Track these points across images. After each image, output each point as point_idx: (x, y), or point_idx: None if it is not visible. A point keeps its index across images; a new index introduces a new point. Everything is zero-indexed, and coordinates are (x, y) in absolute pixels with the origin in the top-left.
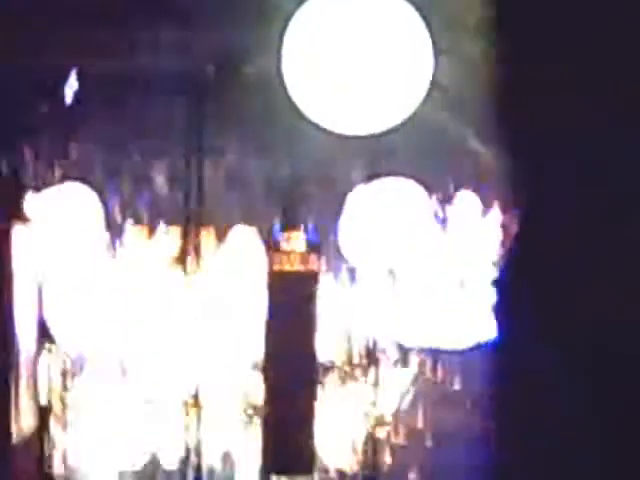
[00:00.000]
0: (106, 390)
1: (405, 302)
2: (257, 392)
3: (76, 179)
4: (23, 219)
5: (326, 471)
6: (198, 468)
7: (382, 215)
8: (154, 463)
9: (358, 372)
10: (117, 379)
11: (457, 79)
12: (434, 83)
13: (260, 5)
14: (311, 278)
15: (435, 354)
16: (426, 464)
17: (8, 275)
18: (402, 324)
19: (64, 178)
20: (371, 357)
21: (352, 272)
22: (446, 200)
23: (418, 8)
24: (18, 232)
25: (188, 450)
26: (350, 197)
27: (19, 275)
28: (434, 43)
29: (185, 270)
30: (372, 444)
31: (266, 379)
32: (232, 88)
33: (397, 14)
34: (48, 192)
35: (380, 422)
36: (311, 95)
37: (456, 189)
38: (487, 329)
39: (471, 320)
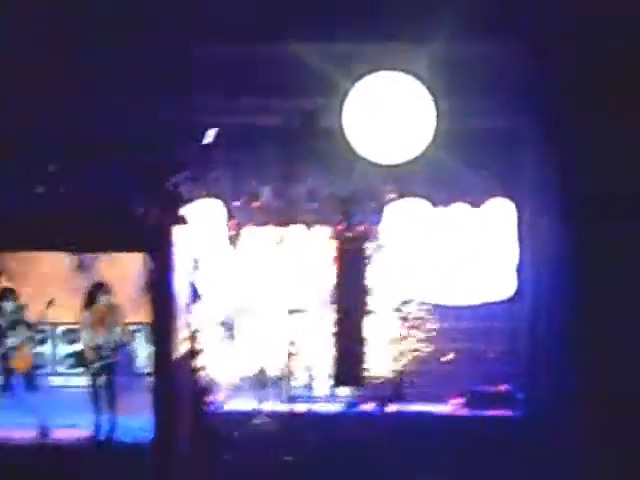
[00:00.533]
0: (230, 326)
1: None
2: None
3: (212, 195)
4: (182, 220)
5: (372, 382)
6: (289, 377)
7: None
8: (263, 372)
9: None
10: (238, 320)
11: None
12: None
13: (329, 84)
14: (362, 253)
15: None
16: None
17: (171, 257)
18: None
19: (206, 194)
20: (399, 303)
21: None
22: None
23: (426, 86)
24: (178, 228)
25: (285, 365)
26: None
27: (179, 257)
28: (436, 106)
29: (283, 247)
30: (400, 362)
31: (336, 317)
32: (312, 136)
33: (412, 91)
34: (197, 202)
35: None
36: (360, 139)
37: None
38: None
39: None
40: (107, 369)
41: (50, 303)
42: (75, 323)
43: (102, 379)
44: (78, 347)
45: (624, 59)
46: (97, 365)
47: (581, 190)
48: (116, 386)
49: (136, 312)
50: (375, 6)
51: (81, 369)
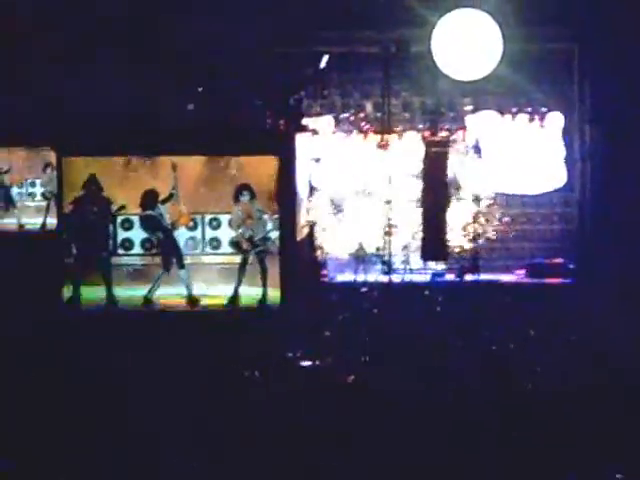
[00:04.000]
0: (341, 213)
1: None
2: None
3: (326, 108)
4: (303, 128)
5: (453, 257)
6: (389, 254)
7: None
8: (362, 249)
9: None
10: (347, 208)
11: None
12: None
13: (420, 19)
14: (445, 154)
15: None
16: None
17: (294, 158)
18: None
19: (320, 112)
20: (476, 193)
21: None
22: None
23: (495, 19)
24: (300, 135)
25: (385, 244)
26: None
27: (300, 158)
28: (502, 34)
29: (382, 149)
30: (476, 241)
31: (425, 205)
32: (405, 60)
33: (484, 23)
34: (315, 114)
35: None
36: (444, 61)
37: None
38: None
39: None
40: (259, 252)
41: (121, 208)
42: (218, 213)
43: (254, 260)
44: (220, 233)
45: None
46: (250, 250)
47: (613, 106)
48: (266, 264)
49: (268, 204)
50: None
51: (233, 250)
